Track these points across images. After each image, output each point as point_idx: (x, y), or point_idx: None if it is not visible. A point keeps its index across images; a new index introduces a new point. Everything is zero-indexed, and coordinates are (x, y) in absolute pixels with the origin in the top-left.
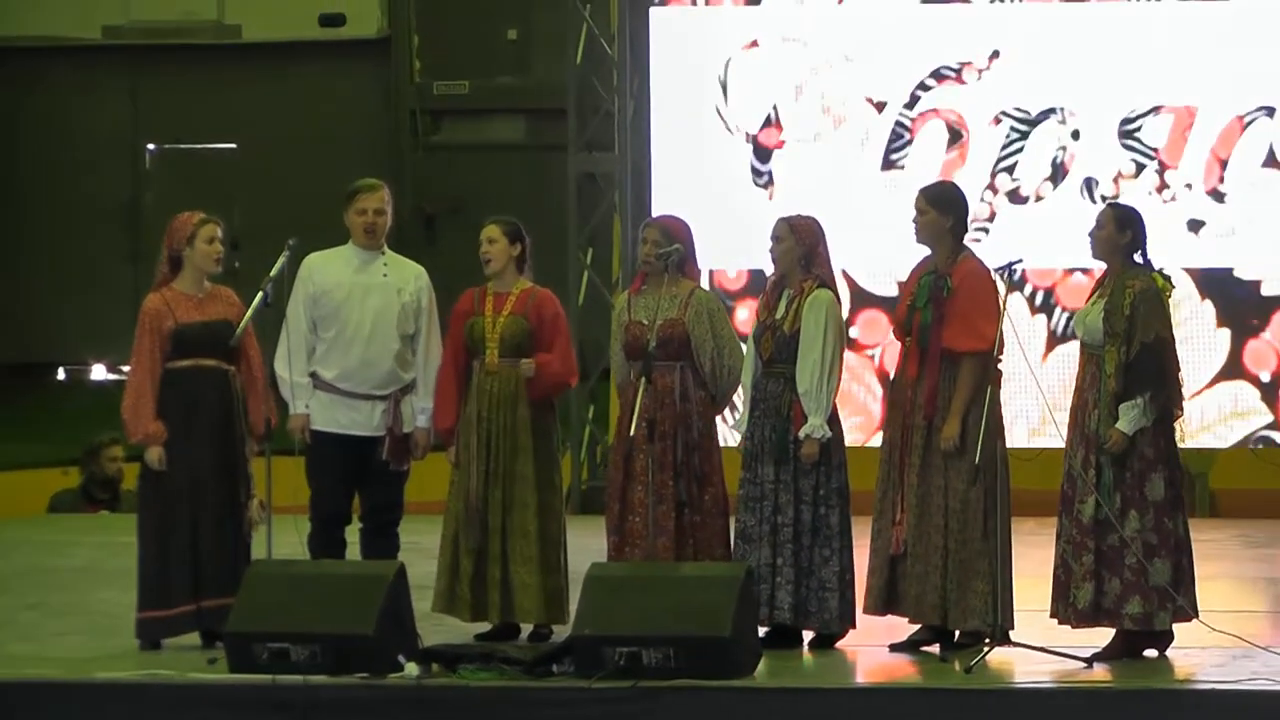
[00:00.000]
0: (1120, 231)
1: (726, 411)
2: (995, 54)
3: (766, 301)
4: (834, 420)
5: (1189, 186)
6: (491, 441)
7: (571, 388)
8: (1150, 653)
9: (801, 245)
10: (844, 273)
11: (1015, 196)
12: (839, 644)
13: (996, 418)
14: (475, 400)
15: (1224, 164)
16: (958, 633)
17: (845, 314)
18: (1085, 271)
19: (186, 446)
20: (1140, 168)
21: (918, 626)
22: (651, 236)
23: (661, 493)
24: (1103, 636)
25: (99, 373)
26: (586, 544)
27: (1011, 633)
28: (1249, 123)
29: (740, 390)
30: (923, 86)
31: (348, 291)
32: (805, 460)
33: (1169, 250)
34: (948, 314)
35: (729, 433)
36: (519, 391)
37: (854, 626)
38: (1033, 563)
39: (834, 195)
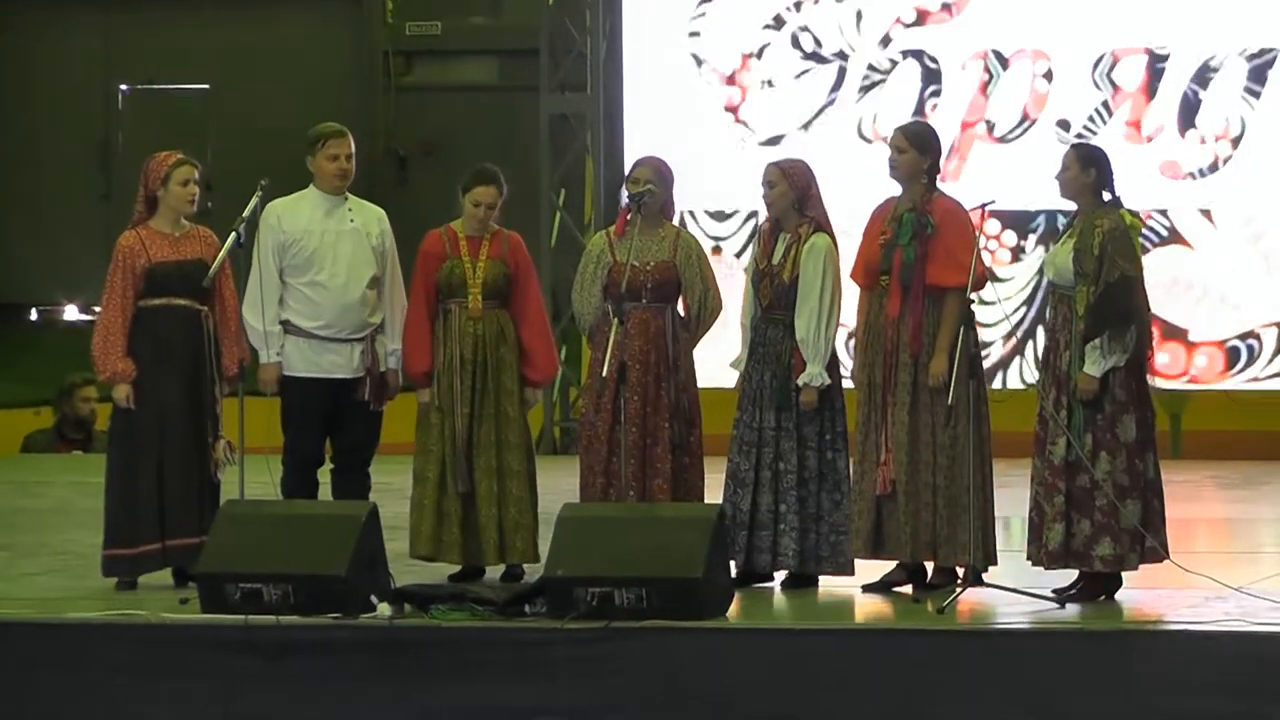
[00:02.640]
0: (1084, 171)
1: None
2: None
3: (764, 246)
4: (834, 364)
5: (1161, 129)
6: (477, 384)
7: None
8: (1122, 594)
9: (794, 189)
10: None
11: (988, 136)
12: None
13: (974, 357)
14: (458, 344)
15: (1197, 106)
16: (930, 573)
17: None
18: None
19: (155, 385)
20: (1112, 109)
21: (892, 566)
22: (644, 175)
23: (656, 435)
24: (1075, 578)
25: (71, 313)
26: (558, 484)
27: (985, 574)
28: (1220, 65)
29: (741, 331)
30: (898, 27)
31: (320, 239)
32: (805, 408)
33: (1143, 193)
34: (932, 250)
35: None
36: (501, 334)
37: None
38: (1003, 504)
39: (805, 136)
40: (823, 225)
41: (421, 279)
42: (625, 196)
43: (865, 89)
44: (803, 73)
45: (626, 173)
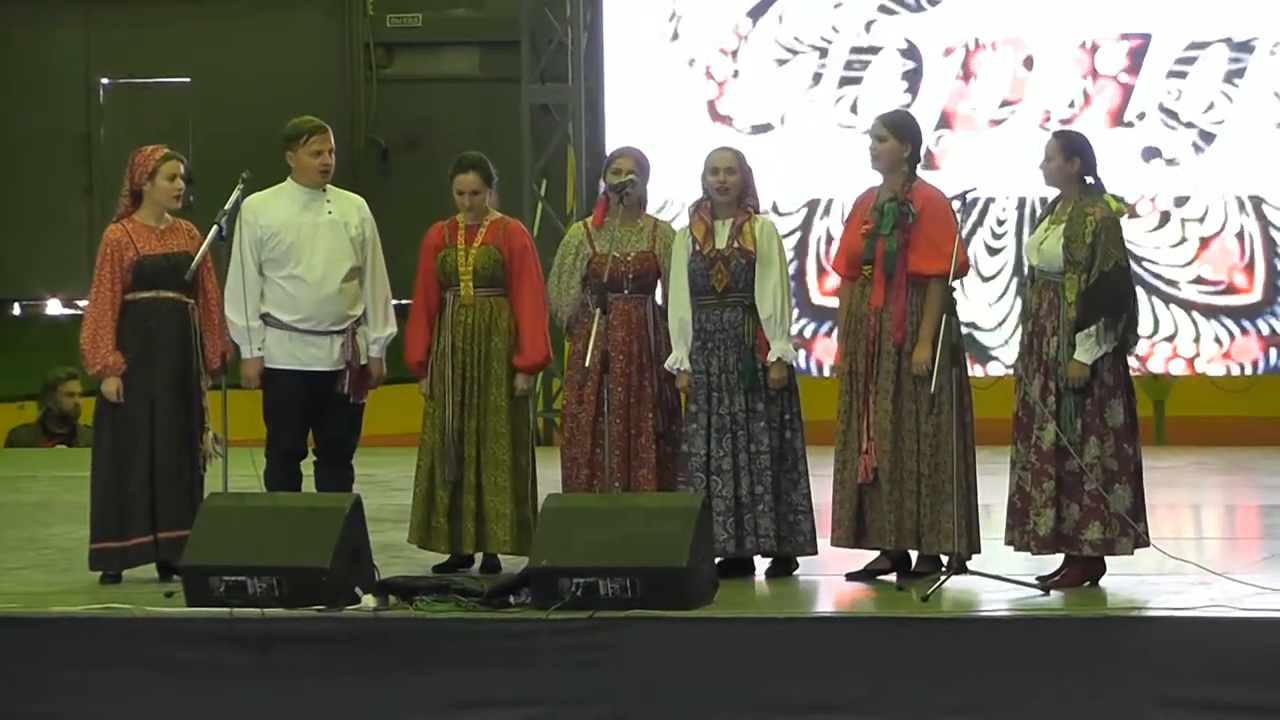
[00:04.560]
0: (1069, 160)
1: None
2: None
3: (706, 230)
4: None
5: (1142, 116)
6: (467, 373)
7: (550, 362)
8: (1106, 580)
9: (745, 179)
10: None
11: (969, 125)
12: (796, 572)
13: (956, 345)
14: (450, 332)
15: (1179, 92)
16: (915, 561)
17: None
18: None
19: (144, 378)
20: (1094, 96)
21: (876, 554)
22: (626, 166)
23: (640, 425)
24: (1059, 564)
25: (55, 307)
26: (541, 474)
27: (969, 561)
28: (1203, 51)
29: (676, 328)
30: (877, 15)
31: (297, 232)
32: (776, 385)
33: (1127, 179)
34: (914, 239)
35: None
36: (493, 323)
37: (817, 551)
38: (986, 492)
39: (785, 125)
40: (759, 212)
41: (423, 270)
42: (606, 187)
43: (846, 78)
44: (783, 62)
45: (605, 163)
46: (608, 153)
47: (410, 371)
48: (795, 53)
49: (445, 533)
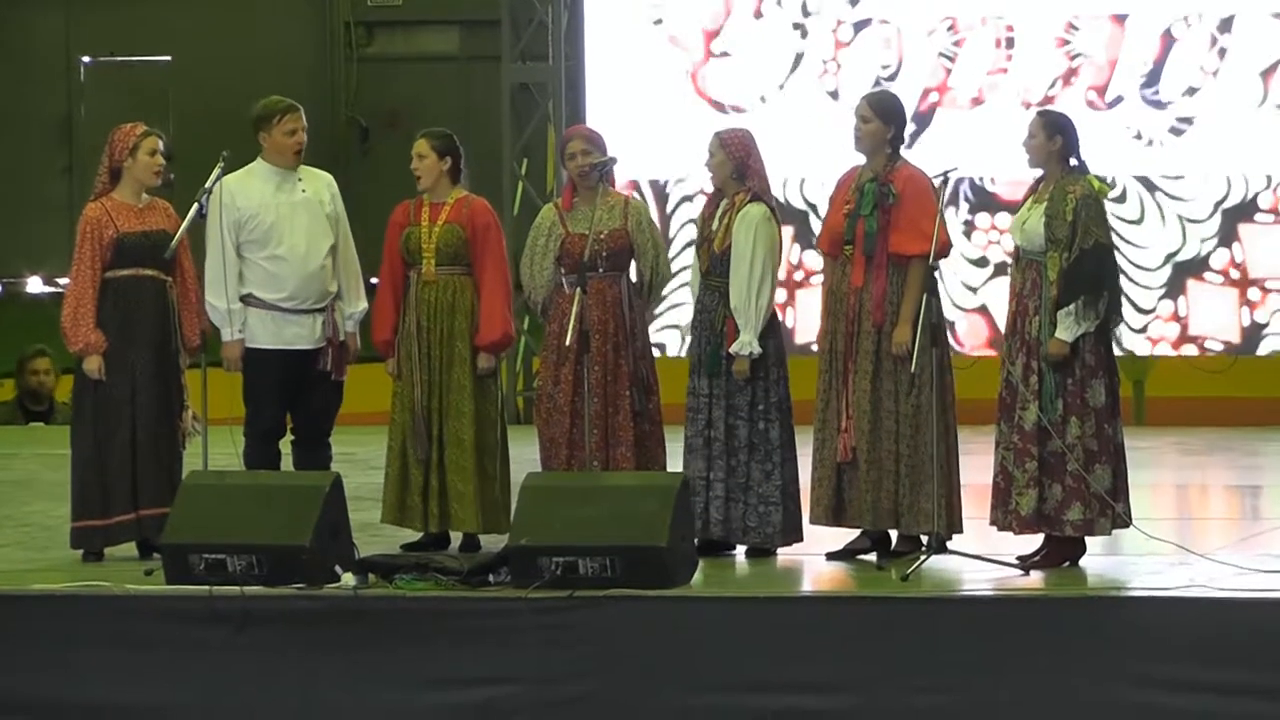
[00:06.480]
0: (1051, 138)
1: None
2: None
3: (706, 213)
4: (774, 333)
5: (1122, 98)
6: (430, 351)
7: (512, 341)
8: (1086, 560)
9: (733, 159)
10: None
11: (951, 104)
12: (776, 552)
13: (937, 325)
14: (414, 311)
15: (1159, 71)
16: (894, 541)
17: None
18: None
19: (125, 356)
20: (1075, 75)
21: (856, 534)
22: (580, 148)
23: (617, 403)
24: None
25: (35, 285)
26: (520, 454)
27: (949, 541)
28: (1181, 29)
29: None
30: None
31: (276, 212)
32: (737, 377)
33: (1110, 159)
34: (895, 219)
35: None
36: (456, 301)
37: (800, 539)
38: (967, 471)
39: (769, 104)
40: (761, 195)
41: (388, 248)
42: (589, 168)
43: (828, 57)
44: (765, 41)
45: (559, 148)
46: None
47: (377, 350)
48: (777, 31)
49: (420, 511)
